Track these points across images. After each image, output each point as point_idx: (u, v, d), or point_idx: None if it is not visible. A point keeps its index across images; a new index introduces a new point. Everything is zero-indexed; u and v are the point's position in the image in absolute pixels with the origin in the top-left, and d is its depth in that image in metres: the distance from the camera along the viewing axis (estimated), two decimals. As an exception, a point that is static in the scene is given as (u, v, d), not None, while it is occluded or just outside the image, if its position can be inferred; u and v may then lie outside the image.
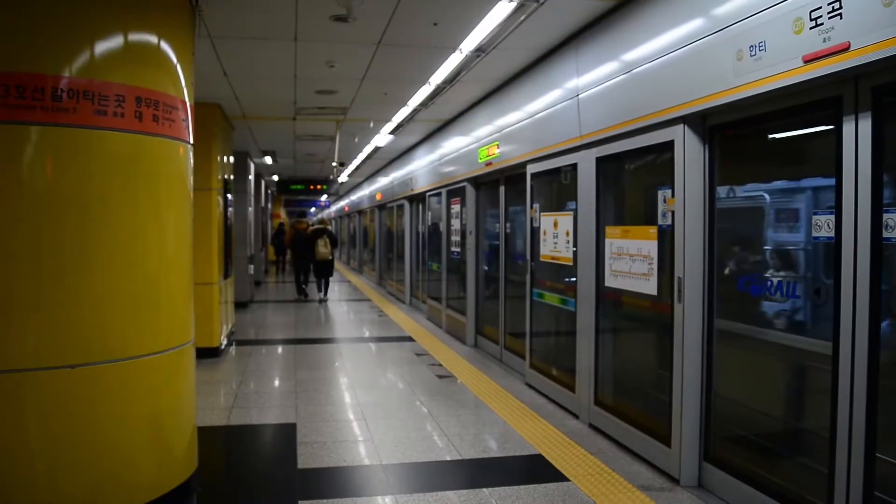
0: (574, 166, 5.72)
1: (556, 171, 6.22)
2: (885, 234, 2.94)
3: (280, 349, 9.19)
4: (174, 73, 3.87)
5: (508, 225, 8.09)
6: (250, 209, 13.80)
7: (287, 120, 10.14)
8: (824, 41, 3.02)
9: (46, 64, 3.30)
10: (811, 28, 3.09)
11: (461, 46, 6.06)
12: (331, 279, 14.96)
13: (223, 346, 8.68)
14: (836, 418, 3.14)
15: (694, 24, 4.02)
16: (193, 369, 4.22)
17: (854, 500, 3.06)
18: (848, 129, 3.09)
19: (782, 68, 3.28)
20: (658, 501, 4.01)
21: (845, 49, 2.92)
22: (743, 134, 4.08)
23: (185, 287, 4.04)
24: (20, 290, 3.32)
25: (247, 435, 5.42)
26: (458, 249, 9.81)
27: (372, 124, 10.48)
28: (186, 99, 3.99)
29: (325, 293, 14.65)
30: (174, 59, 3.86)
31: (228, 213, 9.37)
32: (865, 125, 3.01)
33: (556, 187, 6.47)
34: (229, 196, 9.54)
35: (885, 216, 2.94)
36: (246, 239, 12.98)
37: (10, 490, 3.30)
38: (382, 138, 11.52)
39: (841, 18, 2.93)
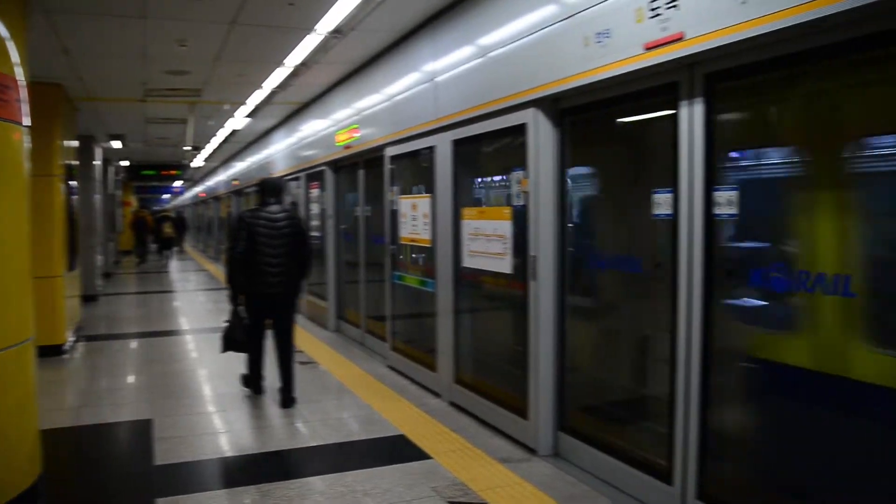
0: (432, 149, 5.77)
1: (415, 153, 6.25)
2: (716, 211, 3.17)
3: (133, 343, 8.69)
4: (3, 50, 3.53)
5: (368, 208, 8.06)
6: (97, 196, 12.97)
7: (136, 101, 9.60)
8: (662, 30, 3.21)
9: None
10: (651, 17, 3.28)
11: (317, 27, 5.94)
12: (179, 260, 22.76)
13: (70, 343, 8.11)
14: (675, 383, 3.38)
15: (546, 11, 4.14)
16: (34, 368, 3.90)
17: (690, 456, 3.31)
18: (684, 112, 3.30)
19: (625, 55, 3.45)
20: (517, 472, 4.16)
21: (680, 38, 3.11)
22: (592, 117, 4.26)
23: (21, 281, 3.71)
24: None
25: (99, 434, 5.09)
26: (318, 234, 9.66)
27: (228, 107, 10.10)
28: (19, 77, 3.66)
29: (171, 257, 21.91)
30: (4, 34, 3.52)
31: (73, 201, 8.75)
32: (699, 109, 3.22)
33: (416, 170, 6.51)
34: (73, 183, 8.93)
35: (716, 194, 3.17)
36: (93, 228, 12.20)
37: None
38: (239, 121, 11.13)
39: (677, 9, 3.12)
